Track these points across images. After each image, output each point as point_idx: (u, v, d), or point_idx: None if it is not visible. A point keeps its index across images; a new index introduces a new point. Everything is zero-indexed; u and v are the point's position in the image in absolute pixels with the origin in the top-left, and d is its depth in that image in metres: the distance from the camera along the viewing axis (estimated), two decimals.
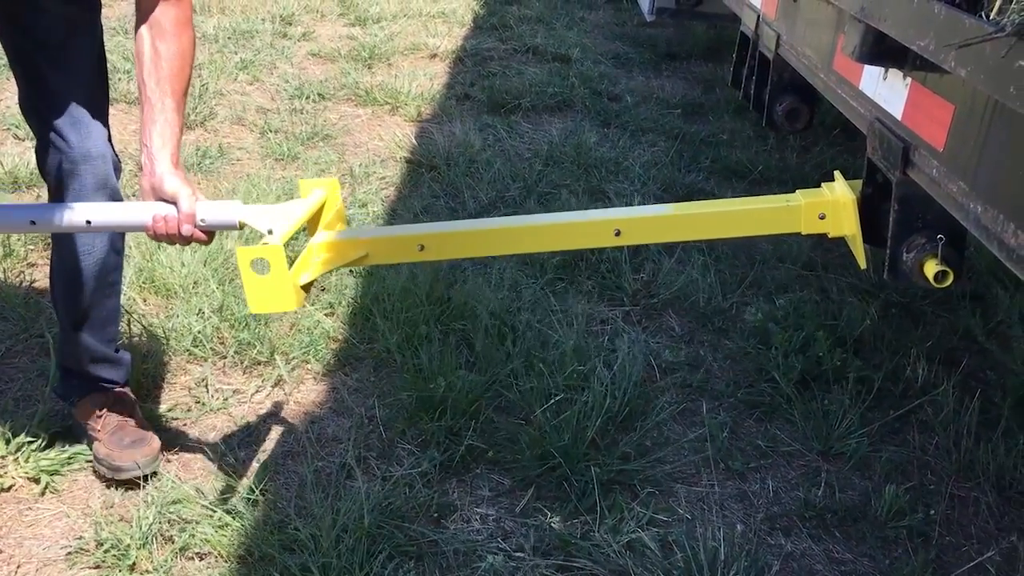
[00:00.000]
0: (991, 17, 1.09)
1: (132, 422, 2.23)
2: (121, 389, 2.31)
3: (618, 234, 1.73)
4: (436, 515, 2.16)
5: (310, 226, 1.96)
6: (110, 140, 2.11)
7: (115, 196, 2.10)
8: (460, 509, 2.20)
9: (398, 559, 1.98)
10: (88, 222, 1.87)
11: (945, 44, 1.15)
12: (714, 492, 2.33)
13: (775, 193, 4.02)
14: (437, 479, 2.26)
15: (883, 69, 1.61)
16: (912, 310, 3.19)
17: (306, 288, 1.84)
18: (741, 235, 1.81)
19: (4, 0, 1.97)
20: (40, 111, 2.03)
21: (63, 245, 2.14)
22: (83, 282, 2.15)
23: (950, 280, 1.45)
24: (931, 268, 1.46)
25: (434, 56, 6.18)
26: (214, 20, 6.43)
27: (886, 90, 1.61)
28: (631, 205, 3.77)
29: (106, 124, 2.11)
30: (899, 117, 1.53)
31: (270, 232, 1.77)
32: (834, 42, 1.89)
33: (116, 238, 2.18)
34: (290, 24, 6.62)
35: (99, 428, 2.21)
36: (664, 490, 2.31)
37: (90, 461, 2.23)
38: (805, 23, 2.14)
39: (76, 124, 2.02)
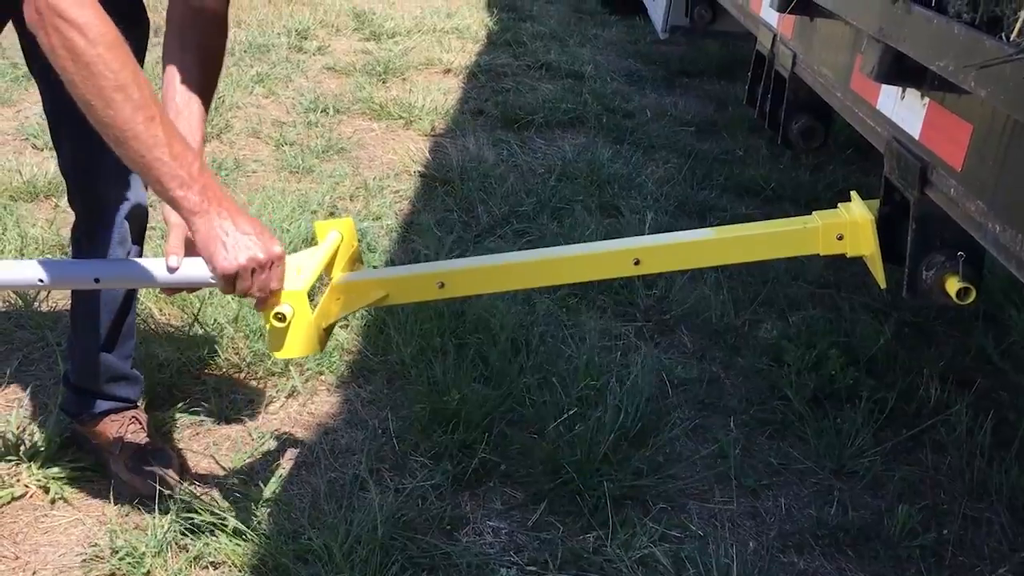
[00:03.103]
0: (1012, 39, 1.10)
1: (150, 444, 2.24)
2: (136, 409, 2.31)
3: (637, 263, 1.73)
4: (449, 527, 2.16)
5: (327, 268, 1.95)
6: None
7: (146, 217, 2.14)
8: (473, 522, 2.21)
9: (411, 571, 1.98)
10: (167, 270, 1.80)
11: (965, 65, 1.16)
12: (726, 509, 2.33)
13: (789, 211, 4.07)
14: (450, 492, 2.26)
15: (901, 89, 1.62)
16: (925, 329, 3.19)
17: (327, 330, 1.84)
18: (759, 259, 1.81)
19: None
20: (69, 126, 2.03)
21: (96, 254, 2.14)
22: (108, 299, 2.15)
23: (972, 297, 1.45)
24: (953, 285, 1.46)
25: (448, 71, 6.22)
26: (230, 33, 6.45)
27: (904, 110, 1.61)
28: (644, 221, 3.78)
29: None
30: (917, 136, 1.54)
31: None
32: (851, 62, 1.90)
33: (137, 253, 2.19)
34: (305, 38, 6.67)
35: (118, 453, 2.21)
36: (676, 506, 2.31)
37: (102, 470, 2.24)
38: (822, 43, 2.15)
39: None
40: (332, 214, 3.76)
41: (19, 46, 2.03)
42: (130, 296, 2.23)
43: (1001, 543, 2.28)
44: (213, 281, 1.80)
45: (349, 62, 6.13)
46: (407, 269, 1.94)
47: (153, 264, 1.85)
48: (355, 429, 2.50)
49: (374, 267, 2.06)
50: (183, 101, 1.81)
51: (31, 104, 4.73)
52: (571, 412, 2.49)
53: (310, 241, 3.35)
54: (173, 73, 1.82)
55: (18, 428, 2.31)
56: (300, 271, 1.77)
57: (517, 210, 3.91)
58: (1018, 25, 1.09)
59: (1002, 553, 2.25)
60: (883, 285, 1.68)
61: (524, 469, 2.35)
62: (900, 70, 1.49)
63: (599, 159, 4.52)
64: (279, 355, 1.74)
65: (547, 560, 2.09)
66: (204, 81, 1.85)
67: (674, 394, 2.76)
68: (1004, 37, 1.15)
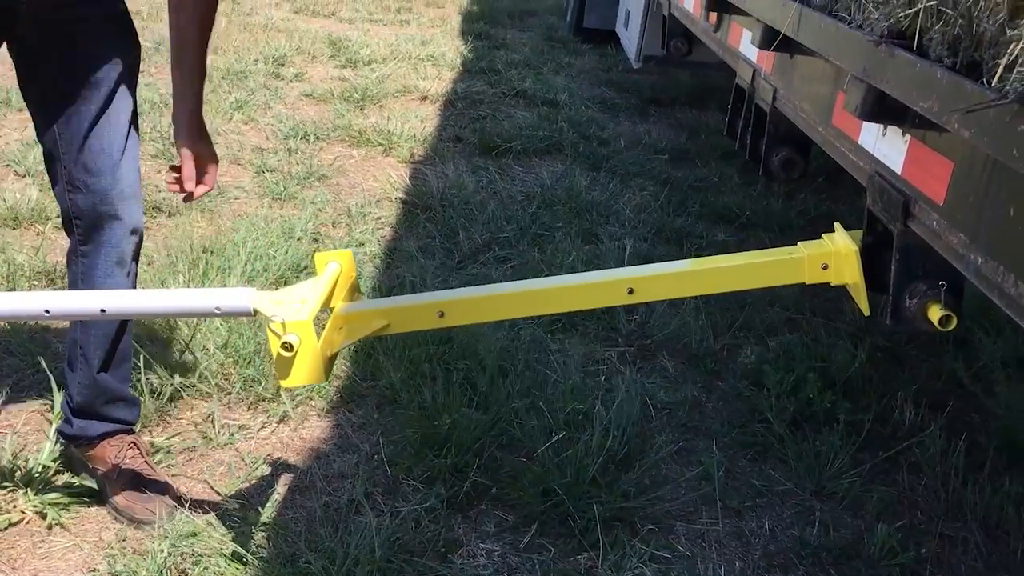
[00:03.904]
0: (993, 83, 1.18)
1: (147, 469, 2.26)
2: (133, 435, 2.33)
3: (631, 292, 1.80)
4: (443, 550, 2.20)
5: (328, 298, 1.98)
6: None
7: (141, 239, 2.17)
8: (466, 544, 2.25)
9: None
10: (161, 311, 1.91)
11: (950, 109, 1.24)
12: (712, 530, 2.39)
13: (763, 237, 4.17)
14: (443, 515, 2.30)
15: (882, 126, 1.70)
16: (898, 354, 3.28)
17: (331, 359, 1.88)
18: (748, 288, 1.89)
19: (47, 33, 2.02)
20: (68, 150, 2.08)
21: (89, 284, 2.17)
22: (109, 321, 2.18)
23: (954, 324, 1.53)
24: (935, 313, 1.54)
25: (424, 98, 6.30)
26: (207, 60, 6.50)
27: (885, 146, 1.70)
28: (624, 248, 3.85)
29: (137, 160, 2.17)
30: (899, 172, 1.62)
31: (282, 324, 1.78)
32: (833, 98, 1.99)
33: (134, 272, 2.23)
34: (282, 65, 6.73)
35: (115, 478, 2.23)
36: (664, 527, 2.37)
37: (98, 495, 2.26)
38: (802, 79, 2.24)
39: (115, 164, 2.08)
40: (316, 241, 3.80)
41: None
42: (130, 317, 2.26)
43: (977, 561, 2.35)
44: (216, 313, 1.85)
45: (327, 89, 6.18)
46: (408, 299, 1.98)
47: (158, 295, 1.89)
48: (347, 454, 2.54)
49: (361, 293, 2.10)
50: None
51: (11, 131, 4.74)
52: (559, 436, 2.54)
53: (299, 268, 3.40)
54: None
55: (12, 454, 2.32)
56: (304, 302, 1.81)
57: (498, 236, 3.97)
58: (999, 71, 1.17)
59: (979, 572, 2.32)
60: (867, 312, 1.75)
61: (515, 492, 2.39)
62: (883, 109, 1.57)
63: (577, 186, 4.60)
64: (286, 384, 1.78)
65: None
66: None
67: (657, 418, 2.83)
68: (985, 82, 1.22)
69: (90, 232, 2.12)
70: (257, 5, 9.30)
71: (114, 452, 2.24)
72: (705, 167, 5.20)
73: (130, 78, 2.14)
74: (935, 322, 1.54)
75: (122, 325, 2.25)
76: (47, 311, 1.82)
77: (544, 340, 3.09)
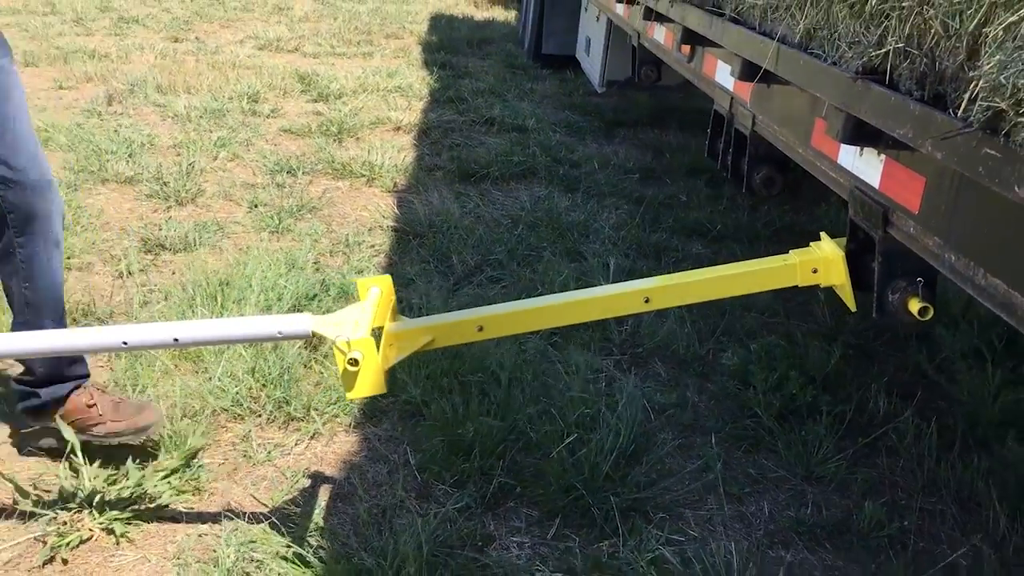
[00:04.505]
0: (959, 113, 1.45)
1: (118, 396, 2.52)
2: (88, 380, 2.60)
3: (647, 301, 2.05)
4: (480, 544, 2.42)
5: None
6: None
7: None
8: (499, 538, 2.47)
9: None
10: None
11: (924, 135, 1.50)
12: (717, 515, 2.63)
13: (735, 249, 4.46)
14: (476, 514, 2.52)
15: (859, 148, 1.97)
16: (867, 350, 3.57)
17: (387, 373, 2.11)
18: (748, 292, 2.14)
19: None
20: None
21: (32, 271, 2.37)
22: (57, 295, 2.43)
23: (931, 314, 1.79)
24: (914, 305, 1.80)
25: (398, 129, 6.53)
26: (183, 100, 6.70)
27: (863, 164, 1.96)
28: (608, 265, 4.11)
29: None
30: (877, 186, 1.89)
31: (346, 341, 1.99)
32: (811, 123, 2.26)
33: (60, 238, 2.45)
34: (256, 101, 6.92)
35: (99, 414, 2.49)
36: (674, 514, 2.61)
37: (160, 509, 2.45)
38: (780, 106, 2.51)
39: (34, 156, 2.30)
40: (318, 270, 4.00)
41: None
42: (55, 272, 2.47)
43: (954, 530, 2.62)
44: (278, 337, 2.06)
45: (304, 124, 6.39)
46: (449, 316, 2.21)
47: (225, 324, 2.09)
48: (378, 463, 2.75)
49: (400, 314, 2.33)
50: None
51: None
52: (572, 438, 2.78)
53: (309, 297, 3.61)
54: None
55: (66, 479, 2.50)
56: (357, 324, 2.04)
57: (489, 258, 4.21)
58: (963, 103, 1.43)
59: (956, 539, 2.59)
60: (853, 308, 2.01)
61: (538, 490, 2.62)
62: (861, 134, 1.84)
63: (556, 208, 4.86)
64: (352, 395, 2.00)
65: (571, 567, 2.36)
66: None
67: (657, 418, 3.07)
68: (951, 111, 1.49)
69: (24, 223, 2.32)
70: (221, 43, 9.49)
71: (85, 397, 2.50)
72: (673, 184, 5.49)
73: (15, 75, 2.35)
74: (915, 313, 1.80)
75: (61, 296, 2.48)
76: (125, 343, 2.02)
77: (547, 352, 3.32)
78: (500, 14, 13.35)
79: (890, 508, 2.68)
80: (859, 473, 2.84)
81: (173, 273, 3.90)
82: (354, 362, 1.94)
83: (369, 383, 1.97)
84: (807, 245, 2.17)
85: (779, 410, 3.08)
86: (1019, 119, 1.26)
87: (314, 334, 2.06)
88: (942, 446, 2.93)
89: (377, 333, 2.12)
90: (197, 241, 4.18)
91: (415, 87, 7.75)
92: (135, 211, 4.56)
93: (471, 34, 10.76)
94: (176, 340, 2.03)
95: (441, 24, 11.79)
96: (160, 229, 4.29)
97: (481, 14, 13.32)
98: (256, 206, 4.75)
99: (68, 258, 3.90)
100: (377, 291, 2.21)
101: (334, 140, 6.10)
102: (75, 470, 2.53)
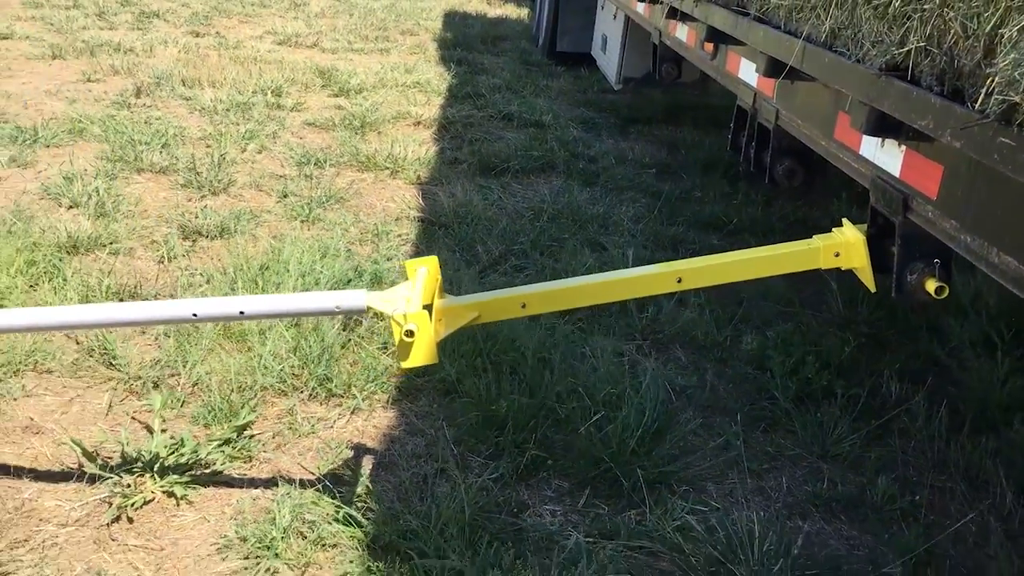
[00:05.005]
0: (976, 106, 1.59)
1: None
2: None
3: (679, 281, 2.20)
4: (516, 511, 2.57)
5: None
6: None
7: None
8: (532, 506, 2.62)
9: (496, 543, 2.38)
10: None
11: (944, 126, 1.65)
12: (738, 488, 2.78)
13: (749, 241, 4.62)
14: (511, 483, 2.68)
15: (880, 139, 2.11)
16: (880, 339, 3.71)
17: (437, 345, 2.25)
18: (777, 273, 2.29)
19: None
20: None
21: None
22: None
23: (947, 292, 1.94)
24: (931, 285, 1.95)
25: (419, 123, 6.68)
26: (208, 93, 6.86)
27: (884, 154, 2.11)
28: (627, 255, 4.26)
29: None
30: (897, 175, 2.03)
31: (403, 315, 2.14)
32: (834, 116, 2.40)
33: None
34: (280, 95, 7.07)
35: None
36: (698, 488, 2.76)
37: (215, 474, 2.60)
38: (804, 101, 2.66)
39: None
40: (349, 258, 4.15)
41: (24, 109, 2.43)
42: None
43: (963, 505, 2.77)
44: (336, 311, 2.21)
45: (327, 117, 6.54)
46: (493, 294, 2.36)
47: (286, 299, 2.25)
48: (416, 437, 2.90)
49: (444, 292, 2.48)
50: None
51: (48, 165, 5.04)
52: (599, 415, 2.93)
53: (345, 280, 3.76)
54: None
55: (128, 445, 2.65)
56: (409, 300, 2.19)
57: (512, 248, 4.36)
58: (981, 97, 1.58)
59: (963, 512, 2.74)
60: (873, 289, 2.16)
61: (568, 462, 2.77)
62: (883, 126, 1.98)
63: (576, 201, 5.01)
64: (407, 364, 2.15)
65: (602, 532, 2.51)
66: None
67: (678, 399, 3.22)
68: (969, 104, 1.64)
69: None
70: (241, 38, 9.65)
71: None
72: (689, 179, 5.64)
73: None
74: (932, 292, 1.95)
75: None
76: (195, 314, 2.18)
77: (572, 336, 3.47)
78: (512, 11, 13.50)
79: (902, 484, 2.83)
80: (872, 452, 2.98)
81: (212, 259, 4.06)
82: (410, 333, 2.09)
83: (423, 353, 2.12)
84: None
85: (796, 393, 3.22)
86: None
87: (369, 309, 2.21)
88: (952, 428, 3.08)
89: (426, 309, 2.27)
90: (233, 228, 4.33)
91: (433, 83, 7.90)
92: (171, 200, 4.72)
93: (485, 31, 10.91)
94: (242, 312, 2.18)
95: (455, 21, 11.94)
96: (196, 217, 4.44)
97: (494, 11, 13.46)
98: (286, 196, 4.90)
99: (112, 243, 4.06)
100: (424, 271, 2.36)
101: (357, 134, 6.24)
102: (136, 437, 2.69)
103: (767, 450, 2.99)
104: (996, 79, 1.52)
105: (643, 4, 4.99)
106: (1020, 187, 1.46)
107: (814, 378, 3.29)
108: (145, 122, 6.03)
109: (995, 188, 1.64)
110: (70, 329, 3.08)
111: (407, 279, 2.39)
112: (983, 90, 1.57)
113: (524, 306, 2.23)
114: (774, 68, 2.57)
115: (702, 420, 3.11)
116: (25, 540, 2.34)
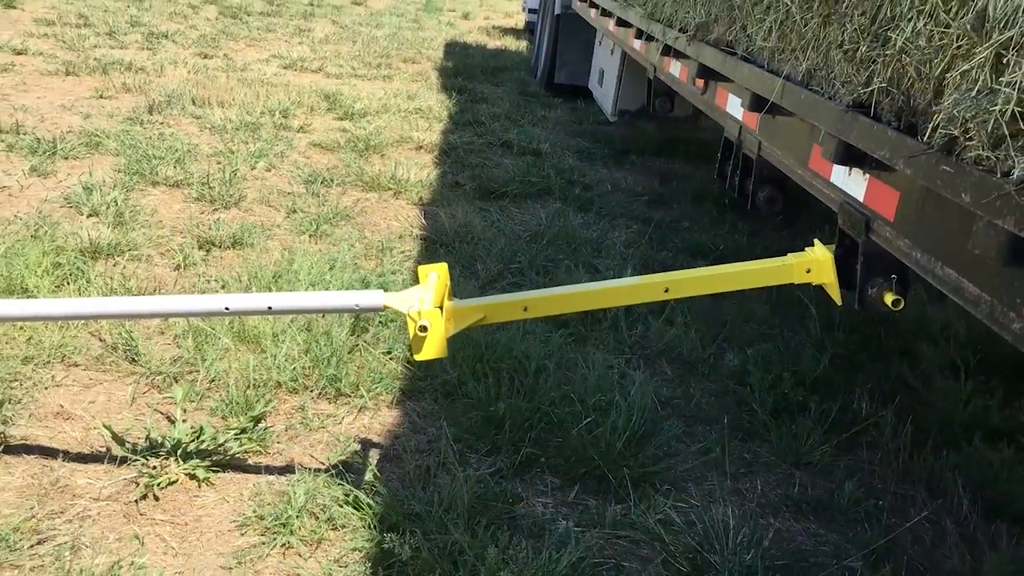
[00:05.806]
0: (924, 139, 1.84)
1: None
2: None
3: (667, 291, 2.43)
4: (511, 502, 2.79)
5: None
6: None
7: None
8: (526, 499, 2.84)
9: (494, 526, 2.60)
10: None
11: (898, 155, 1.89)
12: (717, 489, 3.01)
13: None
14: (507, 477, 2.89)
15: (848, 168, 2.36)
16: (854, 361, 3.95)
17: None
18: (755, 286, 2.53)
19: None
20: None
21: None
22: None
23: (902, 305, 2.18)
24: (889, 298, 2.19)
25: (420, 148, 6.94)
26: (218, 112, 7.11)
27: (851, 181, 2.36)
28: (620, 278, 4.50)
29: None
30: (861, 199, 2.28)
31: (418, 312, 2.37)
32: (808, 148, 2.65)
33: None
34: (287, 117, 7.33)
35: None
36: (679, 487, 2.98)
37: (233, 460, 2.81)
38: (783, 134, 2.91)
39: None
40: (356, 270, 4.38)
41: (41, 123, 2.67)
42: None
43: (923, 510, 3.00)
44: (355, 309, 2.44)
45: (333, 139, 6.79)
46: (498, 297, 2.59)
47: (310, 296, 2.47)
48: (418, 434, 3.12)
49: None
50: None
51: (66, 175, 5.27)
52: (589, 419, 3.15)
53: (354, 288, 3.98)
54: None
55: (154, 430, 2.87)
56: (422, 300, 2.42)
57: (510, 267, 4.60)
58: (928, 131, 1.83)
59: (924, 517, 2.97)
60: (839, 302, 2.40)
61: (560, 461, 2.99)
62: (850, 155, 2.23)
63: (571, 225, 5.27)
64: (420, 357, 2.38)
65: (590, 521, 2.73)
66: None
67: (664, 408, 3.45)
68: (919, 138, 1.89)
69: None
70: (248, 61, 9.93)
71: None
72: (679, 209, 5.90)
73: None
74: (889, 304, 2.19)
75: None
76: (227, 308, 2.40)
77: (567, 348, 3.71)
78: (512, 43, 13.85)
79: (867, 490, 3.06)
80: (841, 461, 3.21)
81: (227, 267, 4.28)
82: (423, 329, 2.32)
83: (435, 347, 2.35)
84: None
85: (773, 406, 3.46)
86: (967, 143, 1.66)
87: (386, 307, 2.44)
88: (916, 442, 3.31)
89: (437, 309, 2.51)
90: (245, 240, 4.56)
91: (434, 110, 8.17)
92: (185, 211, 4.95)
93: (485, 62, 11.23)
94: (270, 308, 2.41)
95: (456, 51, 12.26)
96: (210, 228, 4.67)
97: (493, 42, 13.81)
98: (295, 211, 5.14)
99: (130, 250, 4.28)
100: (435, 276, 2.60)
101: (361, 156, 6.50)
102: (159, 426, 2.90)
103: (744, 456, 3.22)
104: (940, 116, 1.77)
105: (639, 41, 5.27)
106: (957, 208, 1.71)
107: (790, 393, 3.53)
108: (159, 137, 6.27)
109: (939, 209, 1.89)
110: (115, 319, 3.29)
111: (419, 283, 2.63)
112: (929, 125, 1.82)
113: (526, 309, 2.46)
114: (757, 103, 2.83)
115: (685, 428, 3.34)
116: (61, 512, 2.55)
